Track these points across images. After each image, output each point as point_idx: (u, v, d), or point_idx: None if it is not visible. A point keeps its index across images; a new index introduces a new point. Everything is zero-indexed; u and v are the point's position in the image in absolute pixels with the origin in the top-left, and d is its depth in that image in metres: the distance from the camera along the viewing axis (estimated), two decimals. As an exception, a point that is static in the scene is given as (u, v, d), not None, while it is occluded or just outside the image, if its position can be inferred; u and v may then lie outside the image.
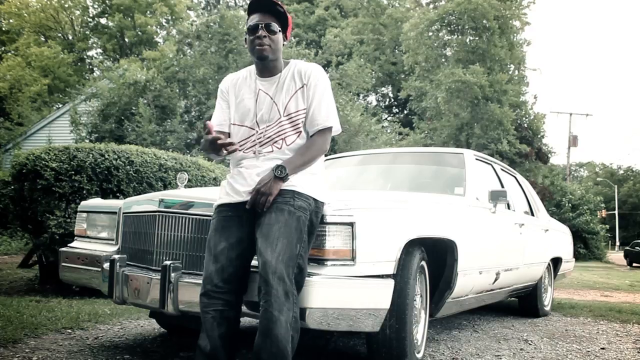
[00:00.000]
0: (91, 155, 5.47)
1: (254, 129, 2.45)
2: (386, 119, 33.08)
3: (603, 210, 31.56)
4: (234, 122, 2.51)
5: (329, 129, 2.47)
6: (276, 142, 2.42)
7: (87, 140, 14.17)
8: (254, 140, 2.44)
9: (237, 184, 2.40)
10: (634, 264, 24.62)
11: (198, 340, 2.31)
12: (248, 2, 3.14)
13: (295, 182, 2.32)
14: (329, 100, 2.48)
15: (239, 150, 2.45)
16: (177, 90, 15.29)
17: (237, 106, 2.51)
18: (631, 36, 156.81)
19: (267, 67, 2.48)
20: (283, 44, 2.50)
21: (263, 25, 2.40)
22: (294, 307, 2.15)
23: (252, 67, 2.56)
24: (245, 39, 2.49)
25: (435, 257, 3.22)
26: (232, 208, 2.37)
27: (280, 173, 2.27)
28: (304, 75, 2.47)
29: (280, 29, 2.45)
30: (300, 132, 2.44)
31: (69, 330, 3.73)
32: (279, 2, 2.44)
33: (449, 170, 4.36)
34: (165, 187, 5.79)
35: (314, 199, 2.35)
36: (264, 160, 2.40)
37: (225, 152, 2.31)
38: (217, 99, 2.63)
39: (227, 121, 2.55)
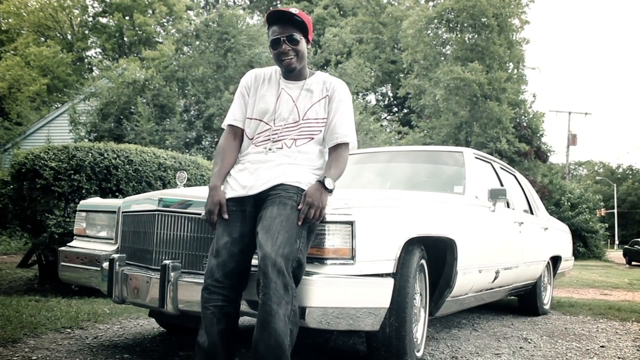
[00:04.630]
0: (90, 154, 5.46)
1: (269, 125, 2.49)
2: (385, 118, 33.08)
3: (602, 209, 31.54)
4: (252, 117, 2.55)
5: (347, 144, 2.51)
6: (288, 141, 2.46)
7: (86, 140, 14.16)
8: (268, 136, 2.48)
9: (243, 178, 2.42)
10: (633, 263, 24.67)
11: (197, 337, 2.31)
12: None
13: (301, 179, 2.35)
14: (350, 118, 2.55)
15: (252, 144, 2.51)
16: (176, 89, 15.27)
17: (258, 101, 2.55)
18: (631, 35, 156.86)
19: (293, 73, 2.53)
20: (307, 48, 2.55)
21: (285, 39, 2.43)
22: (292, 300, 2.15)
23: (278, 68, 2.60)
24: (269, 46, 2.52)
25: (435, 255, 3.22)
26: (236, 203, 2.39)
27: (330, 185, 2.31)
28: (329, 87, 2.54)
29: (302, 36, 2.48)
30: (313, 138, 2.49)
31: (69, 330, 3.73)
32: (297, 12, 2.45)
33: (448, 169, 4.36)
34: (164, 186, 5.79)
35: None
36: (272, 156, 2.43)
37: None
38: (237, 91, 2.65)
39: (242, 116, 2.59)
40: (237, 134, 2.59)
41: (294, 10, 2.45)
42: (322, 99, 2.52)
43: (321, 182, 2.30)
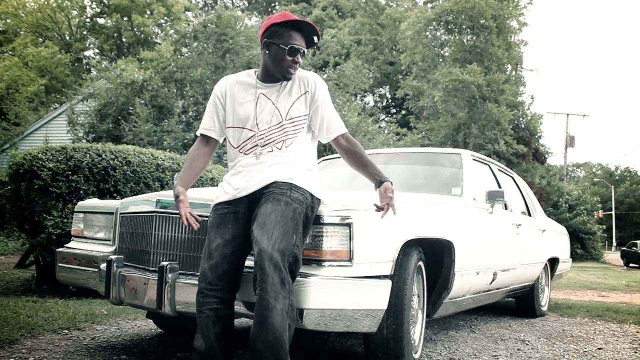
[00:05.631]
0: (88, 155, 5.46)
1: (253, 131, 2.49)
2: (384, 119, 33.11)
3: (600, 211, 31.58)
4: (233, 125, 2.54)
5: (347, 133, 2.66)
6: (277, 143, 2.47)
7: (84, 141, 14.14)
8: (255, 142, 2.48)
9: (236, 182, 2.44)
10: (631, 265, 24.70)
11: (193, 342, 2.30)
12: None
13: (293, 176, 2.37)
14: (335, 111, 2.64)
15: (240, 152, 2.51)
16: (175, 91, 15.25)
17: (237, 109, 2.53)
18: (629, 37, 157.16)
19: (275, 77, 2.52)
20: None
21: (303, 52, 2.48)
22: (290, 295, 2.14)
23: (251, 71, 2.60)
24: (267, 43, 2.47)
25: (433, 257, 3.23)
26: (229, 205, 2.40)
27: (390, 179, 2.57)
28: (306, 83, 2.55)
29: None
30: (297, 136, 2.51)
31: (66, 331, 3.72)
32: (319, 32, 2.54)
33: (446, 171, 4.36)
34: (162, 188, 5.78)
35: (311, 194, 2.39)
36: (263, 159, 2.45)
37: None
38: (210, 101, 2.64)
39: (215, 127, 2.60)
40: (209, 142, 2.62)
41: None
42: (302, 96, 2.53)
43: (389, 182, 2.56)
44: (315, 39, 2.52)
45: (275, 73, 2.50)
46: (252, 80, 2.55)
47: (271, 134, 2.47)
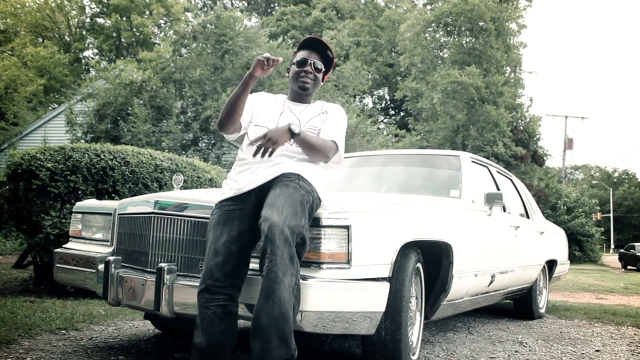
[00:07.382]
0: (87, 155, 5.45)
1: (268, 129, 2.59)
2: (382, 120, 33.14)
3: (598, 213, 31.58)
4: (255, 123, 2.70)
5: (334, 144, 2.64)
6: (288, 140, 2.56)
7: (82, 141, 14.14)
8: None
9: (242, 178, 2.50)
10: (629, 267, 24.73)
11: (193, 338, 2.29)
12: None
13: (301, 170, 2.47)
14: (341, 130, 2.74)
15: (252, 145, 2.58)
16: (173, 91, 15.25)
17: (262, 111, 2.72)
18: (627, 39, 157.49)
19: (300, 96, 2.76)
20: (321, 83, 2.80)
21: (312, 63, 2.71)
22: (297, 273, 2.15)
23: (283, 95, 2.85)
24: (288, 68, 2.81)
25: (431, 259, 3.23)
26: (235, 201, 2.44)
27: (294, 128, 2.42)
28: (327, 107, 2.78)
29: (324, 69, 2.77)
30: None
31: (63, 331, 3.72)
32: (330, 47, 2.76)
33: (444, 173, 4.36)
34: (161, 188, 5.77)
35: (316, 190, 2.46)
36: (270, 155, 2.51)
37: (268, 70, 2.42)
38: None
39: (246, 121, 2.70)
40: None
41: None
42: (321, 114, 2.74)
43: (288, 124, 2.44)
44: (329, 53, 2.77)
45: (294, 88, 2.73)
46: (283, 99, 2.81)
47: None
